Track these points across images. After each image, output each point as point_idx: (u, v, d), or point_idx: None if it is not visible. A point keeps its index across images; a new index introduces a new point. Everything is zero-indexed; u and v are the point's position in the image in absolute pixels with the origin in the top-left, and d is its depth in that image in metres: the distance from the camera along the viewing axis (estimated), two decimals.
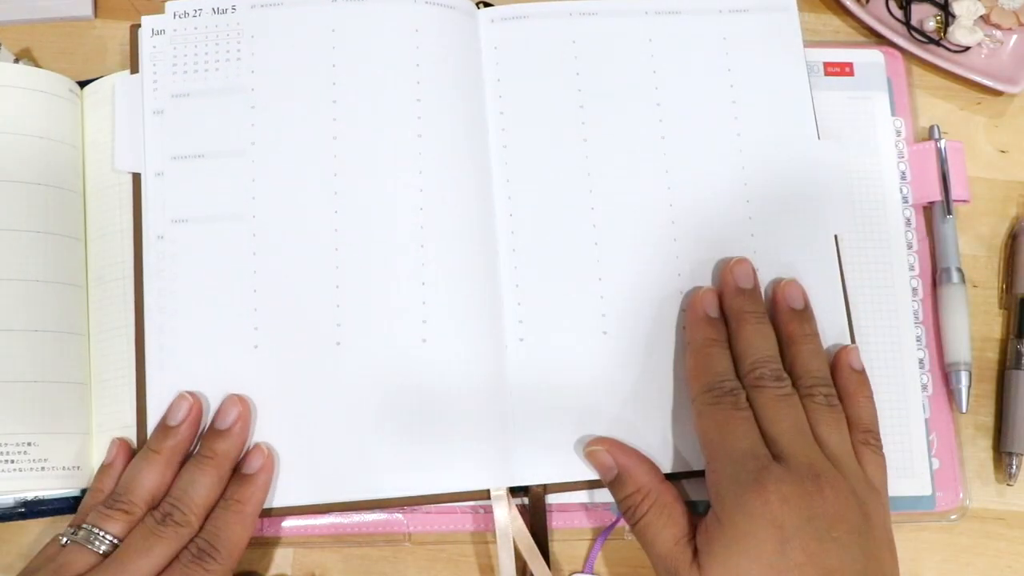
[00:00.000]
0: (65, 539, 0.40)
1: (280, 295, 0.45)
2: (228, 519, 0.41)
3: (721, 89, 0.50)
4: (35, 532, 0.46)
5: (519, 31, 0.50)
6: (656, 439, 0.45)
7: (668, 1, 0.51)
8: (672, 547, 0.41)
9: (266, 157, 0.47)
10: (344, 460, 0.44)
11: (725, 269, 0.46)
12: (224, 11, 0.49)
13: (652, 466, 0.44)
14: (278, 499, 0.44)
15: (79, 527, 0.40)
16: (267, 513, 0.44)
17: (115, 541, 0.40)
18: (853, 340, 0.47)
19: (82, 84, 0.50)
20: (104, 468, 0.44)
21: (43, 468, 0.44)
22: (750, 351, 0.43)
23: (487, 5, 0.51)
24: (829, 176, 0.49)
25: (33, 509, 0.45)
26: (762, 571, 0.38)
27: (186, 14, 0.49)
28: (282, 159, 0.47)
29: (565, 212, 0.47)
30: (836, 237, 0.48)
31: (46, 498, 0.45)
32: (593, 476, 0.44)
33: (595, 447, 0.44)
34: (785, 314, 0.45)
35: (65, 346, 0.46)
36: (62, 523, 0.45)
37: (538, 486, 0.45)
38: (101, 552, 0.40)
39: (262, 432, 0.44)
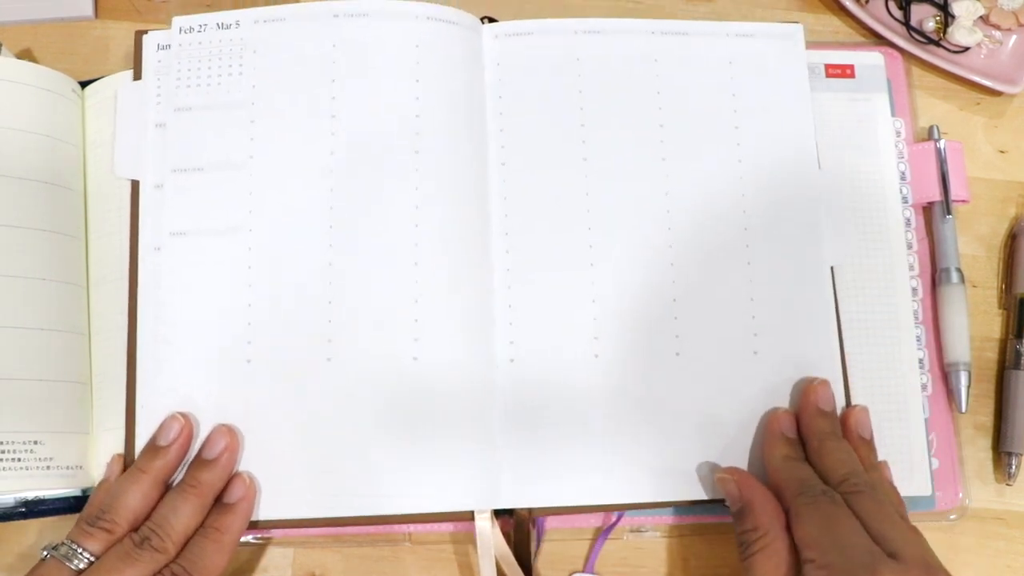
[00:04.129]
0: (46, 553, 0.40)
1: (274, 309, 0.45)
2: (206, 547, 0.41)
3: (725, 113, 0.50)
4: (35, 532, 0.46)
5: (523, 47, 0.50)
6: (649, 462, 0.45)
7: (675, 22, 0.51)
8: None
9: (264, 171, 0.47)
10: (328, 476, 0.44)
11: (808, 389, 0.45)
12: (228, 26, 0.49)
13: (776, 507, 0.42)
14: (263, 512, 0.44)
15: (61, 543, 0.40)
16: (254, 526, 0.43)
17: (92, 559, 0.40)
18: (845, 374, 0.47)
19: (83, 84, 0.50)
20: (102, 485, 0.44)
21: (48, 467, 0.44)
22: (839, 466, 0.42)
23: (492, 20, 0.50)
24: (829, 207, 0.49)
25: (34, 509, 0.45)
26: None
27: (191, 29, 0.49)
28: (280, 173, 0.47)
29: (561, 231, 0.47)
30: (832, 269, 0.48)
31: (47, 498, 0.45)
32: (580, 502, 0.44)
33: (725, 475, 0.44)
34: (855, 440, 0.45)
35: (69, 345, 0.46)
36: (62, 523, 0.45)
37: (523, 509, 0.44)
38: (79, 569, 0.40)
39: (252, 445, 0.44)
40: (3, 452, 0.43)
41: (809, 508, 0.41)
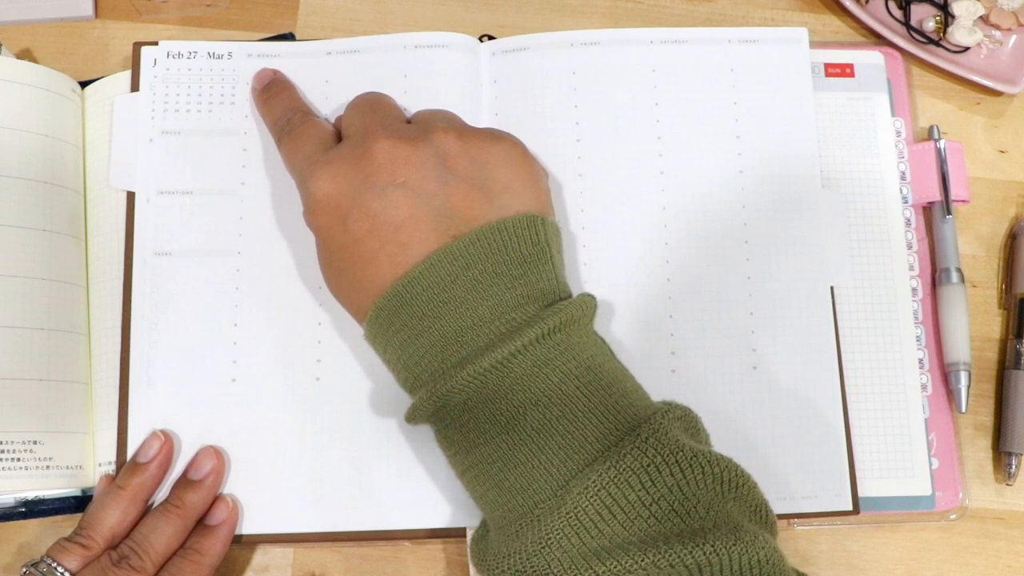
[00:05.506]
0: (25, 570, 0.40)
1: (261, 330, 0.45)
2: (184, 568, 0.41)
3: (726, 122, 0.49)
4: (34, 532, 0.46)
5: (519, 63, 0.49)
6: None
7: (675, 31, 0.50)
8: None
9: (256, 196, 0.47)
10: (319, 493, 0.44)
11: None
12: (220, 56, 0.49)
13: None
14: (253, 527, 0.44)
15: (40, 559, 0.40)
16: (237, 540, 0.43)
17: (69, 575, 0.40)
18: (844, 396, 0.46)
19: (83, 84, 0.50)
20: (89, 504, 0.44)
21: (48, 467, 0.44)
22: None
23: (491, 38, 0.50)
24: (830, 223, 0.48)
25: (33, 509, 0.45)
26: (339, 259, 0.39)
27: (180, 55, 0.49)
28: (272, 199, 0.47)
29: None
30: (832, 289, 0.48)
31: (46, 497, 0.45)
32: None
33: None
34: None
35: (68, 345, 0.46)
36: (62, 523, 0.45)
37: None
38: None
39: (238, 462, 0.44)
40: (2, 452, 0.43)
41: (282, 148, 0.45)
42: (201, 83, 0.48)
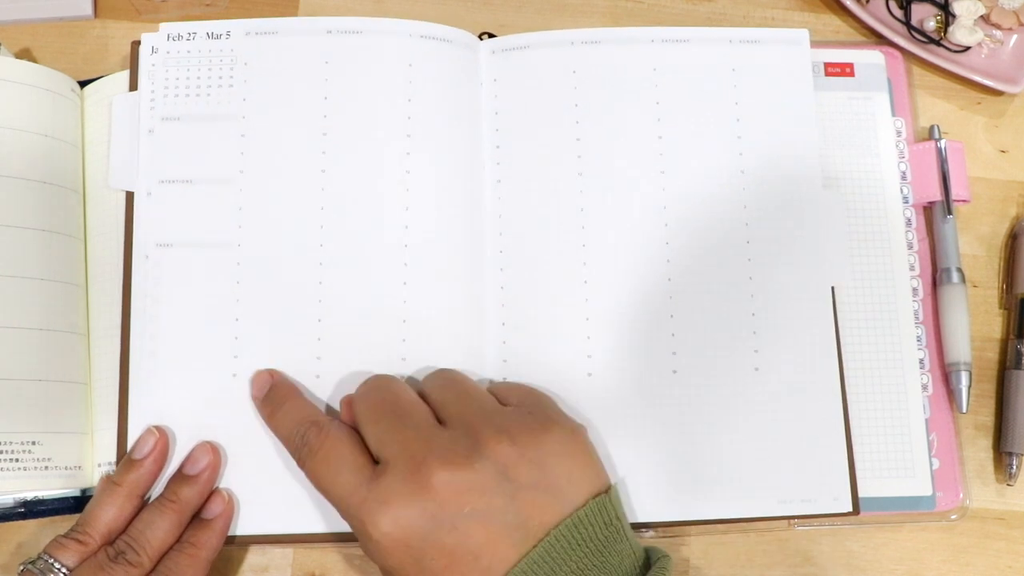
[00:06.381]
0: (22, 567, 0.40)
1: (262, 325, 0.45)
2: (180, 561, 0.41)
3: (727, 122, 0.49)
4: (32, 532, 0.46)
5: (519, 62, 0.49)
6: (643, 478, 0.44)
7: (676, 30, 0.50)
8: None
9: (254, 186, 0.46)
10: (315, 493, 0.43)
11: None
12: (219, 36, 0.48)
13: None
14: (241, 527, 0.43)
15: (38, 556, 0.40)
16: (231, 541, 0.43)
17: (67, 572, 0.40)
18: (844, 396, 0.46)
19: (82, 84, 0.50)
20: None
21: (47, 468, 0.44)
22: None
23: (491, 36, 0.50)
24: (830, 224, 0.48)
25: (32, 509, 0.45)
26: None
27: (180, 36, 0.48)
28: (270, 189, 0.47)
29: (556, 249, 0.47)
30: (833, 288, 0.47)
31: (46, 498, 0.45)
32: None
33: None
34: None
35: (67, 345, 0.46)
36: (61, 523, 0.45)
37: None
38: None
39: (236, 459, 0.44)
40: (1, 452, 0.43)
41: (304, 464, 0.41)
42: (200, 65, 0.48)
